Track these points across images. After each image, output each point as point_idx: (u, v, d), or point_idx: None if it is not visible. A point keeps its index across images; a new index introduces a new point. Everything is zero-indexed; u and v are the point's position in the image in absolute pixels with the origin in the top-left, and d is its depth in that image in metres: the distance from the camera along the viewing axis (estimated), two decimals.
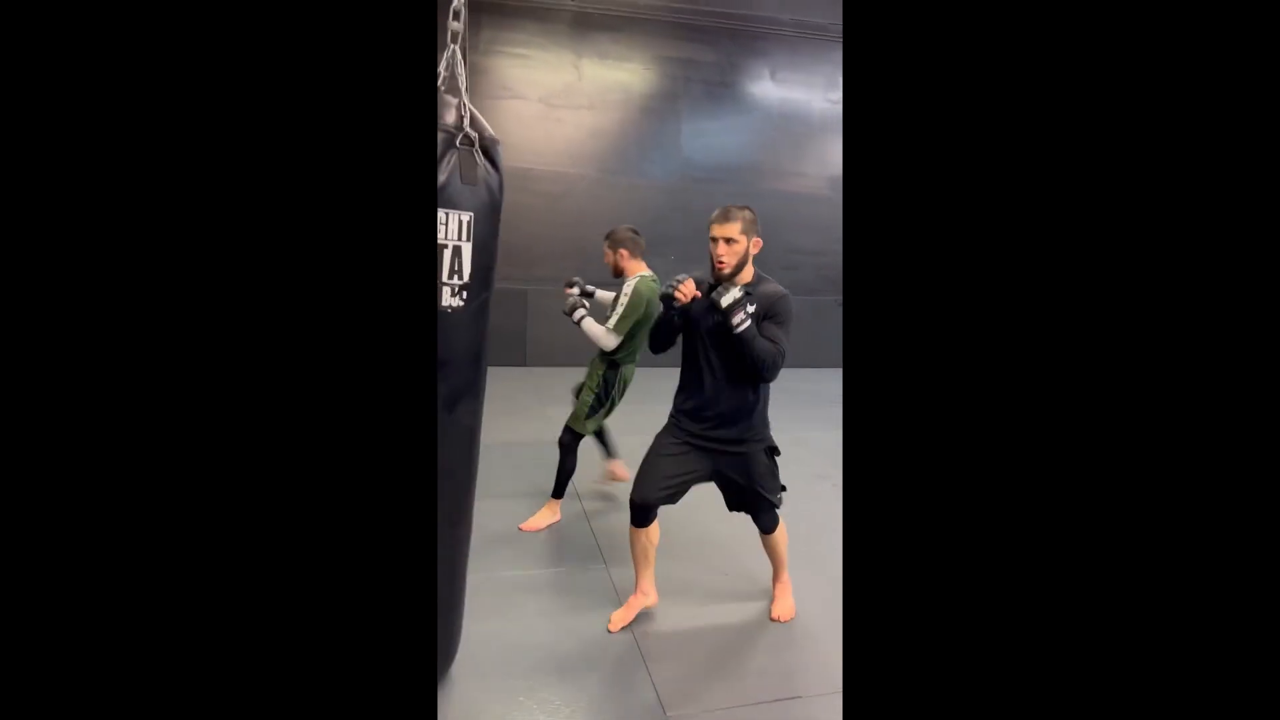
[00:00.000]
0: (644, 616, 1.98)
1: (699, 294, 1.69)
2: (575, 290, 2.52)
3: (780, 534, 1.98)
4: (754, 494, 1.86)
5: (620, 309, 2.34)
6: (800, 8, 6.41)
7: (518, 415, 4.30)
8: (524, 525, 2.55)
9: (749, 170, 6.64)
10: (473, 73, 5.83)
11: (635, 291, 2.34)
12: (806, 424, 4.24)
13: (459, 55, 0.94)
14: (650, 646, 1.84)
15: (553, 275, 6.20)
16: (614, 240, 2.45)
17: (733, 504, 1.94)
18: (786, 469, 1.92)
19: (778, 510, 1.92)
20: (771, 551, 2.02)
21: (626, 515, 1.89)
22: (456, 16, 0.92)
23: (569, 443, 2.50)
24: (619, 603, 2.03)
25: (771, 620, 1.99)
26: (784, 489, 1.92)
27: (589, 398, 2.48)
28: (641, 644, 1.85)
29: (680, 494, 1.87)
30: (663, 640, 1.88)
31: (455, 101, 0.92)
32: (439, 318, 0.96)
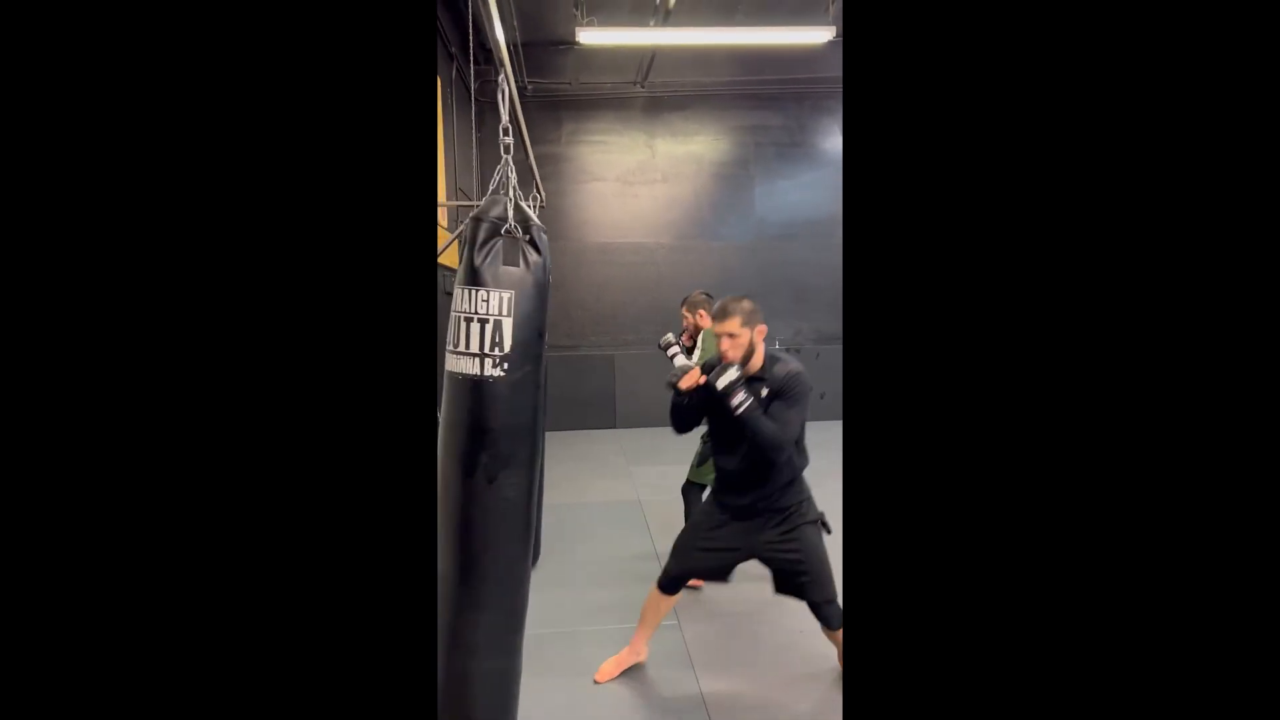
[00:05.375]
0: (722, 686, 2.00)
1: (702, 380, 1.70)
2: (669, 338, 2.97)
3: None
4: (799, 585, 1.75)
5: (697, 355, 2.69)
6: None
7: (609, 477, 4.45)
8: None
9: (826, 222, 6.70)
10: (556, 161, 6.38)
11: (706, 340, 2.68)
12: None
13: (510, 164, 1.16)
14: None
15: (638, 340, 6.45)
16: (691, 304, 2.76)
17: (779, 586, 1.82)
18: None
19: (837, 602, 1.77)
20: (834, 641, 1.85)
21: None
22: (506, 133, 1.16)
23: (689, 491, 2.68)
24: (688, 663, 2.06)
25: None
26: (828, 530, 1.79)
27: (702, 446, 2.61)
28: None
29: (724, 571, 1.84)
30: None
31: (503, 199, 1.11)
32: (481, 387, 1.06)
